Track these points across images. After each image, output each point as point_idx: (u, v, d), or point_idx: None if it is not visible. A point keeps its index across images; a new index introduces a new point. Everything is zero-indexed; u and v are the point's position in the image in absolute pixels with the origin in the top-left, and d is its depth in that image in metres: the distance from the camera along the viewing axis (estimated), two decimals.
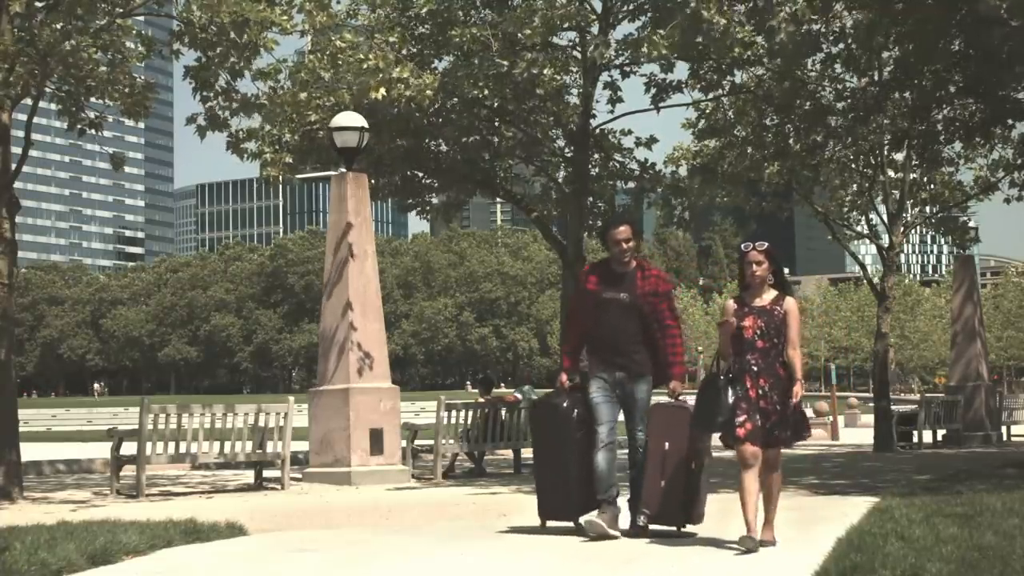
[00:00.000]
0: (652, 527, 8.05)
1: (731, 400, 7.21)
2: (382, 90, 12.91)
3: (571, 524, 8.29)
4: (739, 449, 7.26)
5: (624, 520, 8.21)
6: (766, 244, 7.50)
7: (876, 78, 19.89)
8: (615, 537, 7.88)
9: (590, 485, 8.04)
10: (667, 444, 7.90)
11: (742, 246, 7.55)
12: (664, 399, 8.31)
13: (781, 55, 16.93)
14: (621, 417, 8.33)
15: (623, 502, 8.29)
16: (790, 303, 7.47)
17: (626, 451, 8.40)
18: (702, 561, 7.15)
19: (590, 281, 8.23)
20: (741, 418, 7.22)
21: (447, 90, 17.49)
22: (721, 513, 8.22)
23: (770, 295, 7.47)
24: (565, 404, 8.18)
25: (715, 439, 7.81)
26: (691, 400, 7.89)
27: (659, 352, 8.14)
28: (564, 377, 8.27)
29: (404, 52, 16.57)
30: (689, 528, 8.06)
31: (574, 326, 8.38)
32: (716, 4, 15.64)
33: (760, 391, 7.27)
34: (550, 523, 8.41)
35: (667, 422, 7.95)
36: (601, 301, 8.09)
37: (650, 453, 8.00)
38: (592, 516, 7.98)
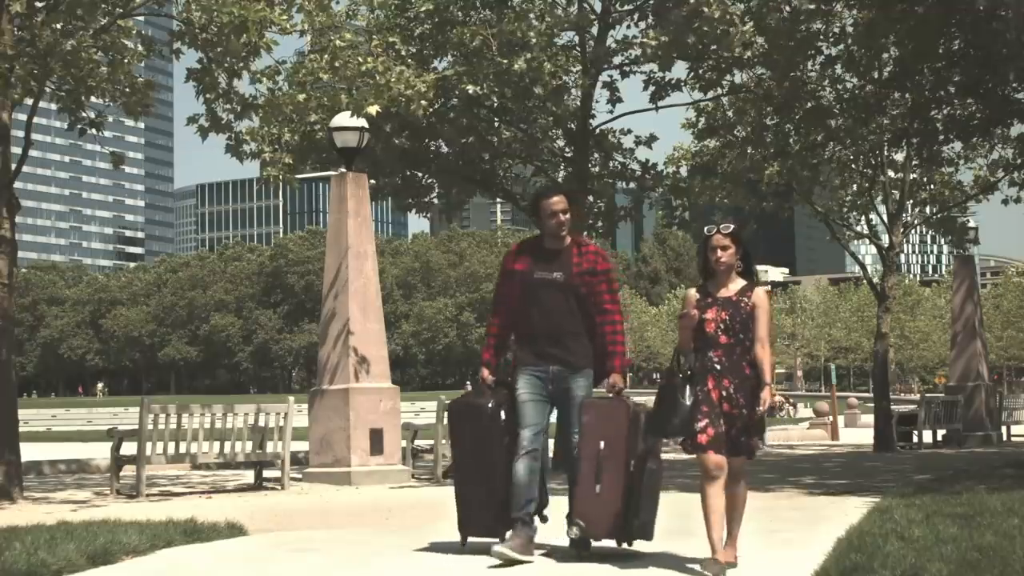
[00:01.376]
0: (595, 545, 6.92)
1: (689, 401, 6.31)
2: (376, 107, 12.89)
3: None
4: (701, 459, 6.35)
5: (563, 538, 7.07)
6: (732, 226, 6.52)
7: (876, 77, 19.90)
8: (528, 562, 6.74)
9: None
10: (602, 444, 6.72)
11: (705, 229, 6.59)
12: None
13: (775, 44, 16.97)
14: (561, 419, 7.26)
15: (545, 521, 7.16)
16: (759, 294, 6.51)
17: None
18: None
19: (518, 261, 7.07)
20: (702, 423, 6.29)
21: (447, 89, 17.50)
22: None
23: (737, 285, 6.51)
24: (491, 405, 6.96)
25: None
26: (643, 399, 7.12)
27: (598, 342, 7.00)
28: (486, 372, 7.07)
29: (403, 52, 16.59)
30: (637, 546, 6.93)
31: (499, 313, 7.15)
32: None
33: (724, 392, 6.34)
34: (472, 540, 7.17)
35: (601, 418, 6.78)
36: (531, 283, 6.96)
37: (583, 456, 6.78)
38: (498, 546, 6.74)
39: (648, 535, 6.81)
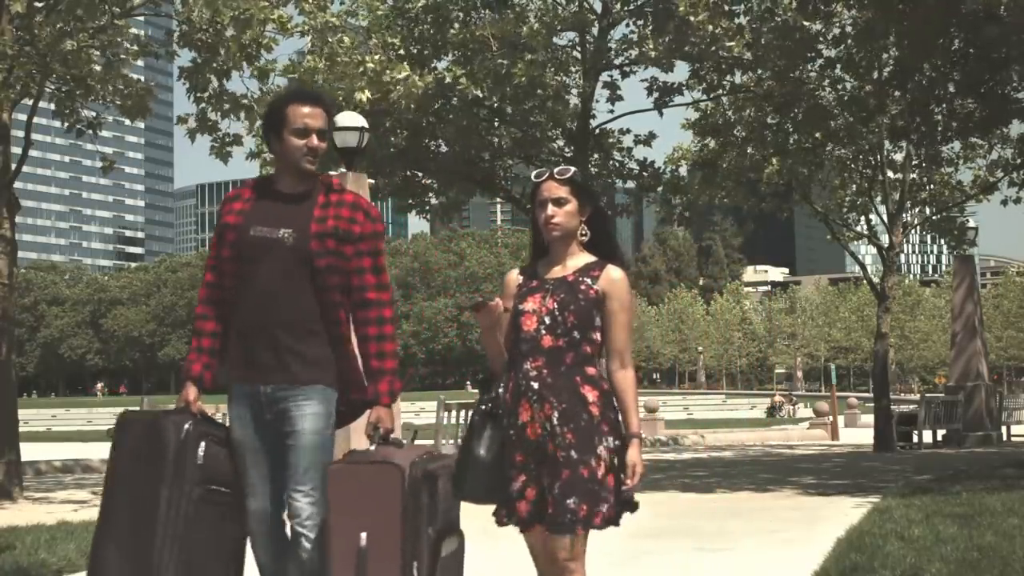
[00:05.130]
0: None
1: (486, 452, 3.91)
2: (367, 93, 12.90)
3: None
4: (525, 536, 3.99)
5: None
6: (571, 170, 4.11)
7: (876, 77, 19.91)
8: None
9: None
10: (363, 537, 3.90)
11: (533, 175, 4.17)
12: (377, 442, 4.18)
13: (772, 51, 17.07)
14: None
15: None
16: (611, 275, 4.03)
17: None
18: None
19: (232, 210, 4.24)
20: (518, 482, 3.89)
21: (447, 88, 17.51)
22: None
23: (579, 260, 4.08)
24: (187, 426, 4.08)
25: None
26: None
27: (360, 352, 4.21)
28: (190, 392, 4.25)
29: (402, 52, 16.62)
30: None
31: (209, 298, 4.27)
32: (704, 9, 15.81)
33: (545, 427, 3.88)
34: None
35: (359, 495, 3.94)
36: (248, 244, 4.12)
37: (335, 555, 3.95)
38: None
39: None
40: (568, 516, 3.79)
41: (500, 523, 3.97)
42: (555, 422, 3.87)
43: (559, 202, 4.07)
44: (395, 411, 4.30)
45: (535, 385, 3.91)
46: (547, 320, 3.96)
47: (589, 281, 4.01)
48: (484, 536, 4.28)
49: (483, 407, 3.99)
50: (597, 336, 3.97)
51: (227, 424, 4.29)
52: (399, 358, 4.17)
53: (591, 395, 3.91)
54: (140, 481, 4.04)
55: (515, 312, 4.02)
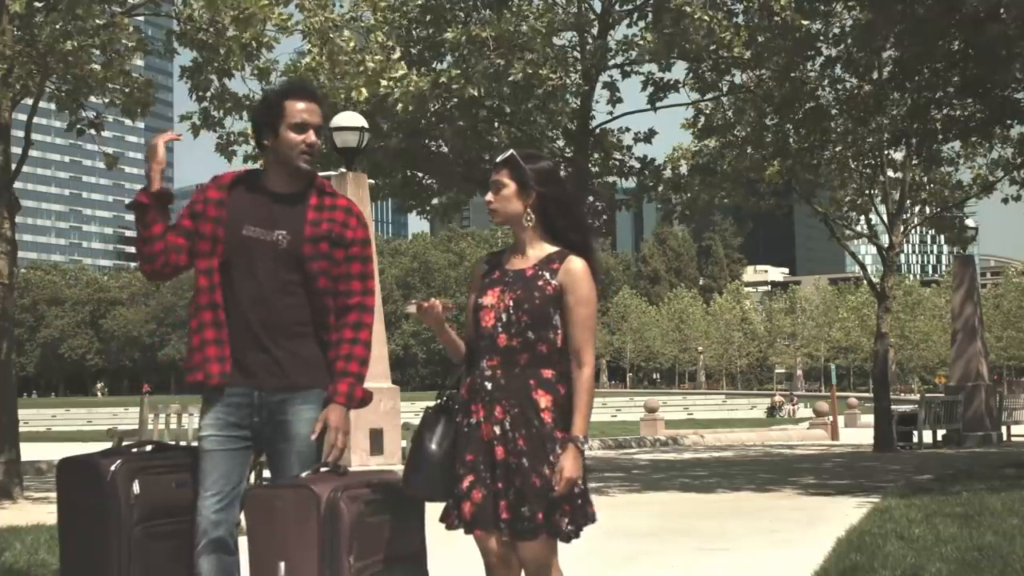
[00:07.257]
0: None
1: (437, 446, 3.84)
2: (364, 92, 12.91)
3: None
4: (475, 539, 3.87)
5: None
6: (509, 153, 4.06)
7: (876, 77, 19.91)
8: None
9: None
10: (282, 567, 3.66)
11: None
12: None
13: (769, 50, 17.13)
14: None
15: None
16: (571, 268, 3.84)
17: None
18: None
19: (223, 201, 4.02)
20: (466, 481, 3.79)
21: (444, 88, 17.51)
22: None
23: (541, 250, 3.91)
24: (114, 467, 3.91)
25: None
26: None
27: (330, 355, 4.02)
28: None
29: (398, 55, 16.63)
30: None
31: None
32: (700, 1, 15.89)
33: (497, 428, 3.78)
34: None
35: (277, 521, 3.69)
36: (240, 244, 3.95)
37: None
38: None
39: None
40: (526, 523, 3.70)
41: (450, 526, 3.87)
42: (507, 427, 3.76)
43: (496, 187, 4.03)
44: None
45: (488, 386, 3.81)
46: (503, 318, 3.82)
47: (548, 275, 3.83)
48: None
49: (437, 402, 3.93)
50: (555, 336, 3.79)
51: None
52: (367, 366, 4.00)
53: (543, 400, 3.76)
54: (85, 533, 3.90)
55: (475, 306, 3.90)
